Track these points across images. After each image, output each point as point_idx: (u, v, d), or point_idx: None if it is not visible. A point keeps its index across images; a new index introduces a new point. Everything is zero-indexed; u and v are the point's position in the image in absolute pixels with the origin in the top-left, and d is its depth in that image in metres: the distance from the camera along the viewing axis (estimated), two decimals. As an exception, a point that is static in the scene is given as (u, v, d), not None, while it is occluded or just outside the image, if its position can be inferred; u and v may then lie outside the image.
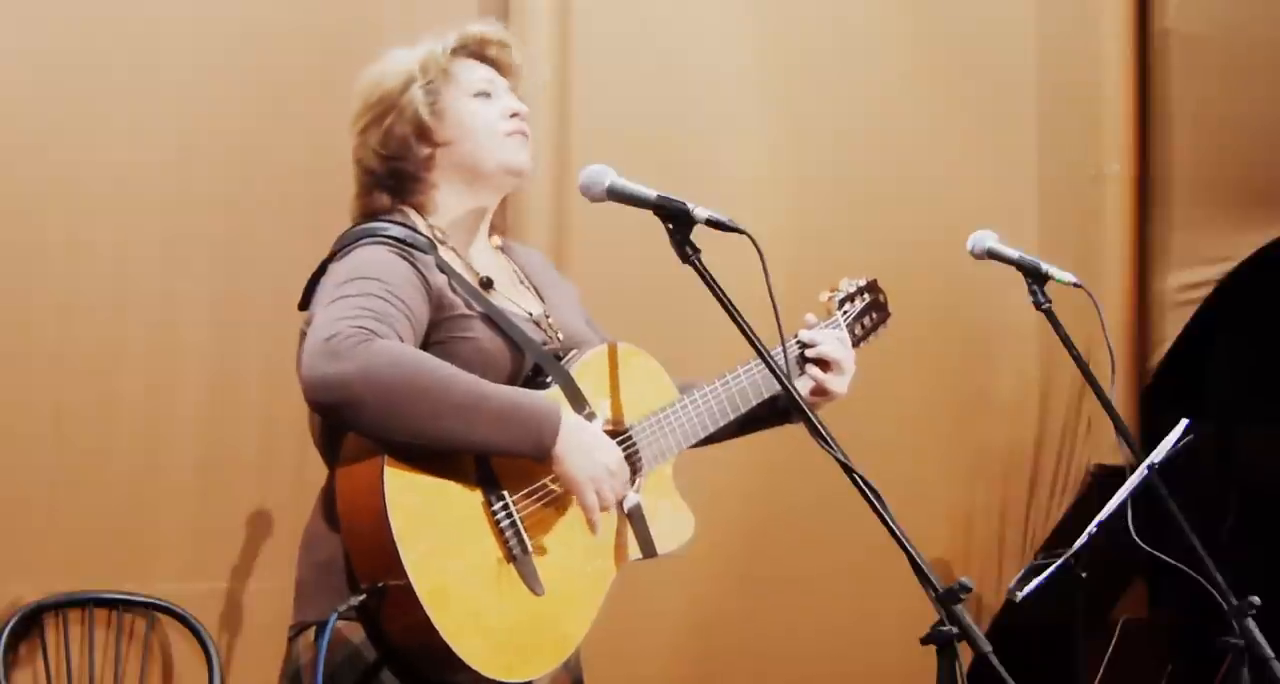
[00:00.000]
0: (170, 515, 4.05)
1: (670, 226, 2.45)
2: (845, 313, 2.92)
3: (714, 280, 2.42)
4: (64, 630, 3.93)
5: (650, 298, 4.32)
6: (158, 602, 4.00)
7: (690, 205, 2.44)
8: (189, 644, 4.01)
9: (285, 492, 3.97)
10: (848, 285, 2.96)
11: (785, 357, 2.64)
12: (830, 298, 2.92)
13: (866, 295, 2.97)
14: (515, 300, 2.64)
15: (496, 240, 2.75)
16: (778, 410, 2.82)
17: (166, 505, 4.04)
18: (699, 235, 2.45)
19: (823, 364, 2.80)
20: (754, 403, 2.74)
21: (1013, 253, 3.36)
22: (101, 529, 3.96)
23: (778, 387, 2.69)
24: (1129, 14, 4.96)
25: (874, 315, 2.97)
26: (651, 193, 2.48)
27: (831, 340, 2.81)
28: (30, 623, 3.88)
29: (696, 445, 2.72)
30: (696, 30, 4.66)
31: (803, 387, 2.80)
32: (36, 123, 3.95)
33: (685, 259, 2.44)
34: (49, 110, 3.96)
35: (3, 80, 3.93)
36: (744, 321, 2.42)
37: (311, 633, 2.47)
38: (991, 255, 3.37)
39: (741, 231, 2.40)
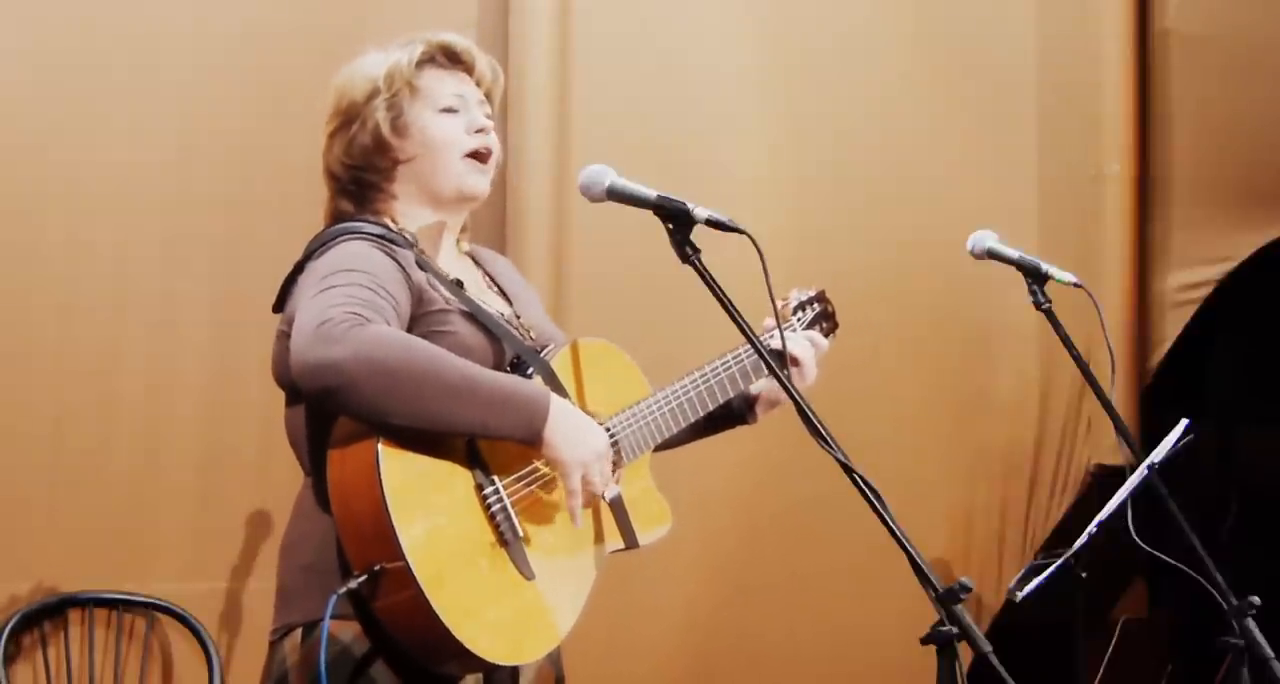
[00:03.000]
0: (170, 515, 4.05)
1: (670, 227, 2.45)
2: (800, 319, 2.97)
3: (714, 280, 2.42)
4: (64, 630, 3.93)
5: (650, 297, 4.33)
6: (157, 602, 4.00)
7: (690, 205, 2.45)
8: (189, 644, 4.01)
9: (285, 492, 3.91)
10: (798, 295, 3.01)
11: (763, 354, 2.65)
12: (783, 305, 2.96)
13: (817, 305, 3.02)
14: (486, 302, 2.65)
15: (464, 245, 2.76)
16: (732, 413, 2.89)
17: (166, 505, 4.04)
18: (699, 235, 2.45)
19: (791, 361, 2.85)
20: (729, 397, 2.78)
21: (1013, 253, 3.37)
22: (101, 529, 3.96)
23: (753, 381, 2.81)
24: (1129, 14, 4.96)
25: (824, 324, 3.02)
26: (651, 193, 2.48)
27: (800, 340, 2.88)
28: (30, 623, 3.88)
29: (656, 449, 2.72)
30: (696, 30, 4.66)
31: (765, 385, 2.88)
32: (36, 123, 3.95)
33: (685, 259, 2.45)
34: (49, 110, 3.96)
35: (3, 80, 3.93)
36: (744, 322, 2.43)
37: (298, 635, 2.46)
38: (991, 255, 3.38)
39: (741, 231, 2.40)
